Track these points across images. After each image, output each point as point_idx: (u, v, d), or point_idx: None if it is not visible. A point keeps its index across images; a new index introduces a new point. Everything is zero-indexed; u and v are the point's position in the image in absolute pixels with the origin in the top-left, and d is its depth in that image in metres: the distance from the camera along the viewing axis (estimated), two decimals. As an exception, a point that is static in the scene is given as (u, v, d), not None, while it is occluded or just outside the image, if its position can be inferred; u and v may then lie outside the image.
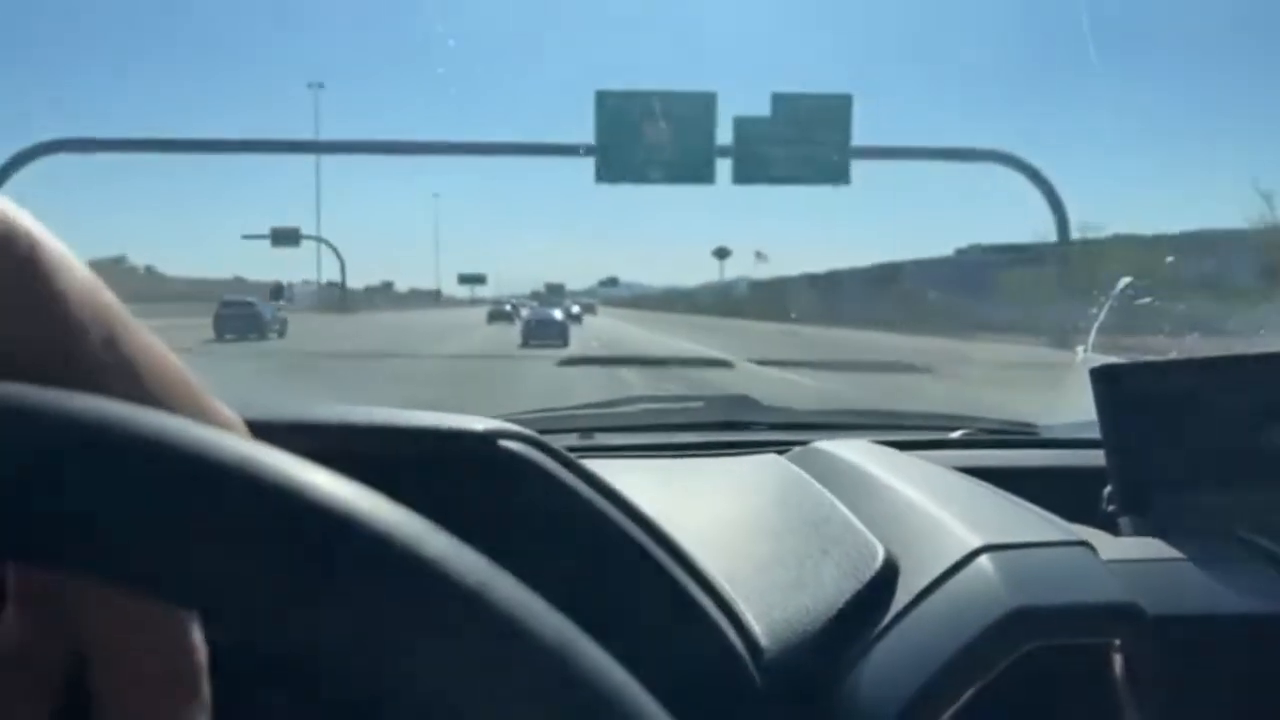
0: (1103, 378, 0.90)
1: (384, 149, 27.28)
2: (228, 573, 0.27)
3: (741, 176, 20.49)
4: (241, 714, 0.64)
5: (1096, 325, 1.43)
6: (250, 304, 22.58)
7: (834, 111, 20.28)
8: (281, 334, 23.19)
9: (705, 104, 20.46)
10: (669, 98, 20.29)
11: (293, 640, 0.28)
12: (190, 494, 0.27)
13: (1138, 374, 0.90)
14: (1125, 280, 1.53)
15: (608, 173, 20.03)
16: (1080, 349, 1.37)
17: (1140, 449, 0.87)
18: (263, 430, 0.34)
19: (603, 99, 19.96)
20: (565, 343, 22.20)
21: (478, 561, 0.29)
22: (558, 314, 26.13)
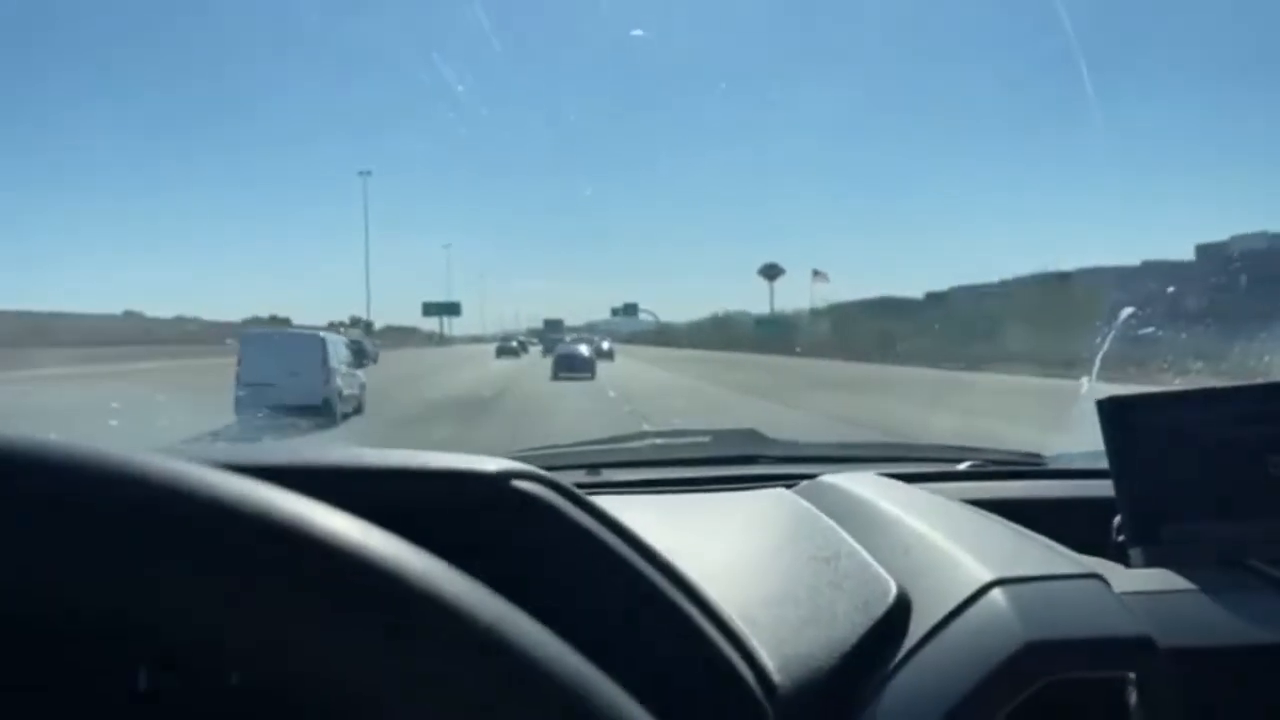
0: (1110, 409, 0.90)
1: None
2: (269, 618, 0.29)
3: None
4: None
5: (1100, 355, 1.43)
6: (360, 341, 26.79)
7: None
8: (376, 361, 27.30)
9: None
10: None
11: (305, 674, 0.29)
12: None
13: (1144, 405, 0.90)
14: (1128, 310, 1.53)
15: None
16: (1085, 379, 1.37)
17: (1148, 479, 0.88)
18: (284, 475, 0.35)
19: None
20: (592, 375, 24.96)
21: (494, 602, 0.30)
22: (584, 349, 29.43)
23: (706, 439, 1.87)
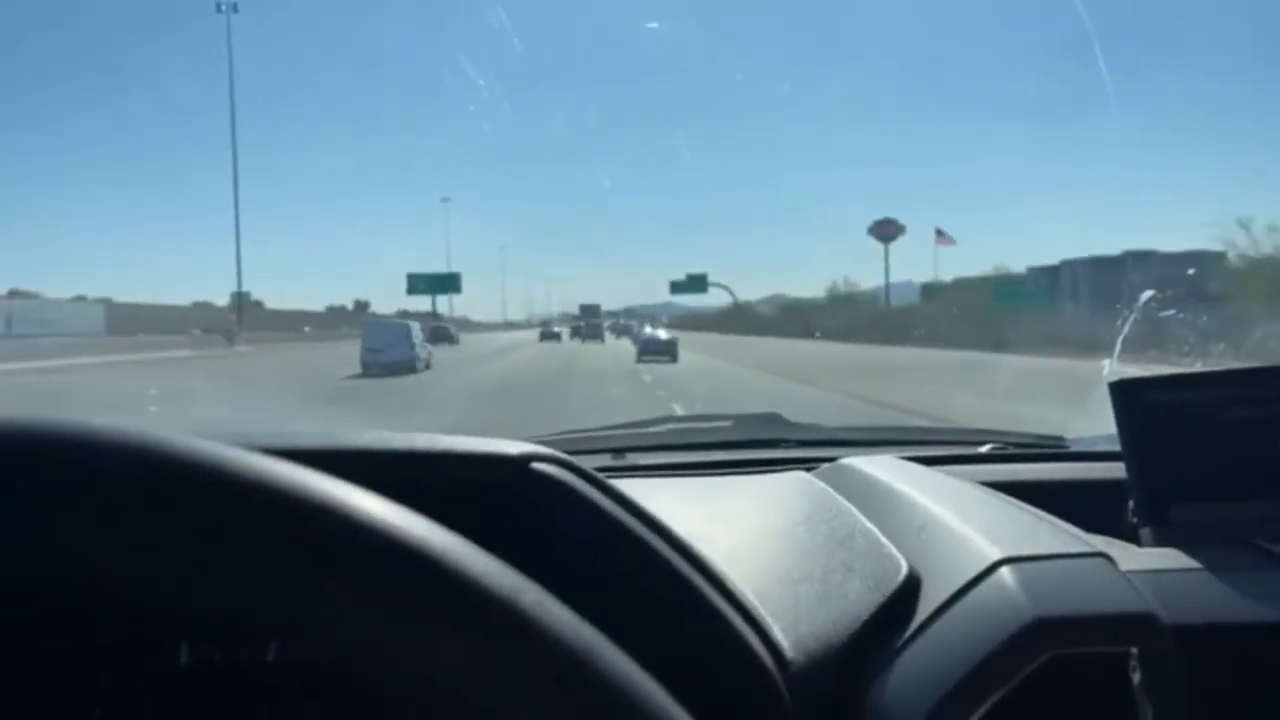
0: (1122, 391, 0.91)
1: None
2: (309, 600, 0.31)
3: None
4: None
5: (1120, 339, 1.43)
6: (446, 327, 39.22)
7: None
8: (457, 342, 38.05)
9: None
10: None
11: (337, 654, 0.32)
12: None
13: (1156, 387, 0.91)
14: (1148, 294, 1.53)
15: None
16: (1106, 362, 1.38)
17: (1160, 460, 0.89)
18: (311, 457, 0.37)
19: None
20: (674, 358, 26.51)
21: (520, 582, 0.32)
22: (663, 334, 31.77)
23: (729, 423, 1.88)
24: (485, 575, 0.31)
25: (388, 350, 21.76)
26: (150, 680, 0.68)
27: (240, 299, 55.84)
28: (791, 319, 51.90)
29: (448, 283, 67.36)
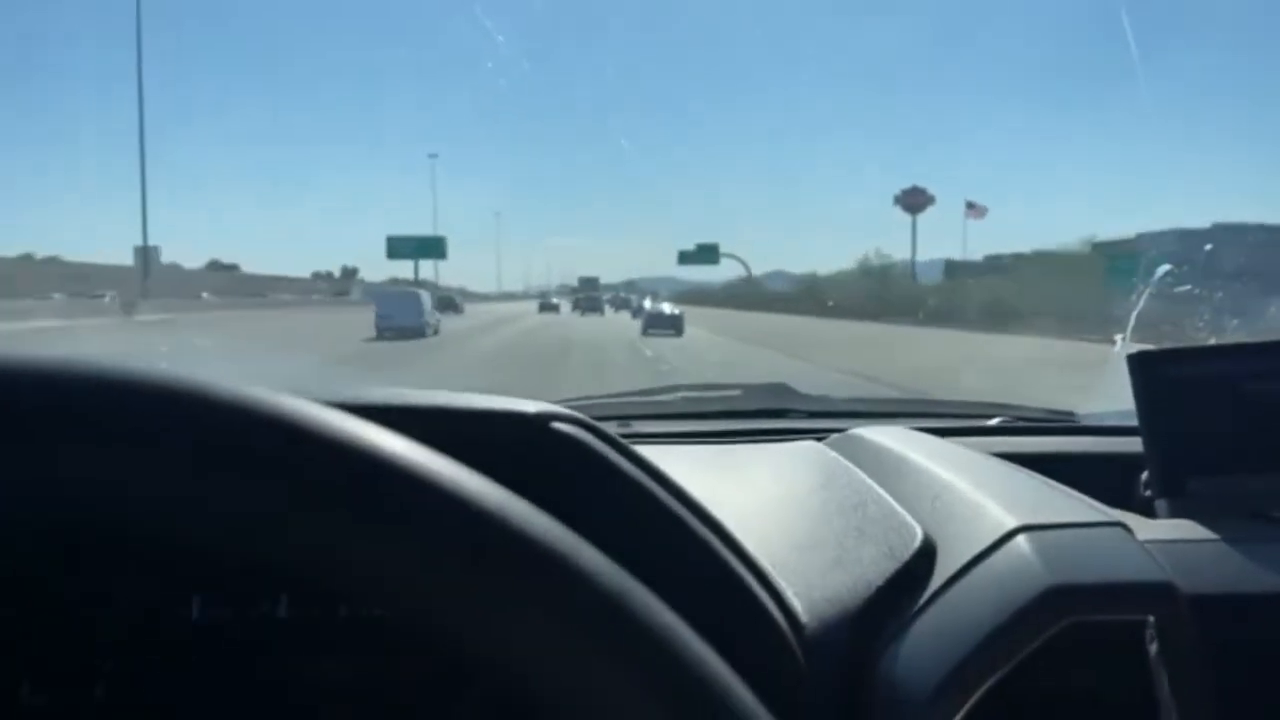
0: (1140, 364, 0.91)
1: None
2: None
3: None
4: (313, 679, 0.67)
5: (1135, 313, 1.43)
6: (453, 296, 40.54)
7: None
8: (462, 312, 39.86)
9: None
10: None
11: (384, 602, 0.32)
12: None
13: (1174, 360, 0.91)
14: (1164, 268, 1.52)
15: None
16: (1119, 337, 1.37)
17: (1176, 433, 0.88)
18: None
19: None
20: (679, 332, 26.57)
21: (563, 532, 0.32)
22: (668, 308, 31.31)
23: (738, 393, 1.88)
24: (552, 539, 0.32)
25: (399, 316, 23.73)
26: (162, 634, 0.68)
27: (146, 254, 48.06)
28: (809, 295, 45.84)
29: (432, 247, 62.51)
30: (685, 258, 57.85)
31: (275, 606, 0.69)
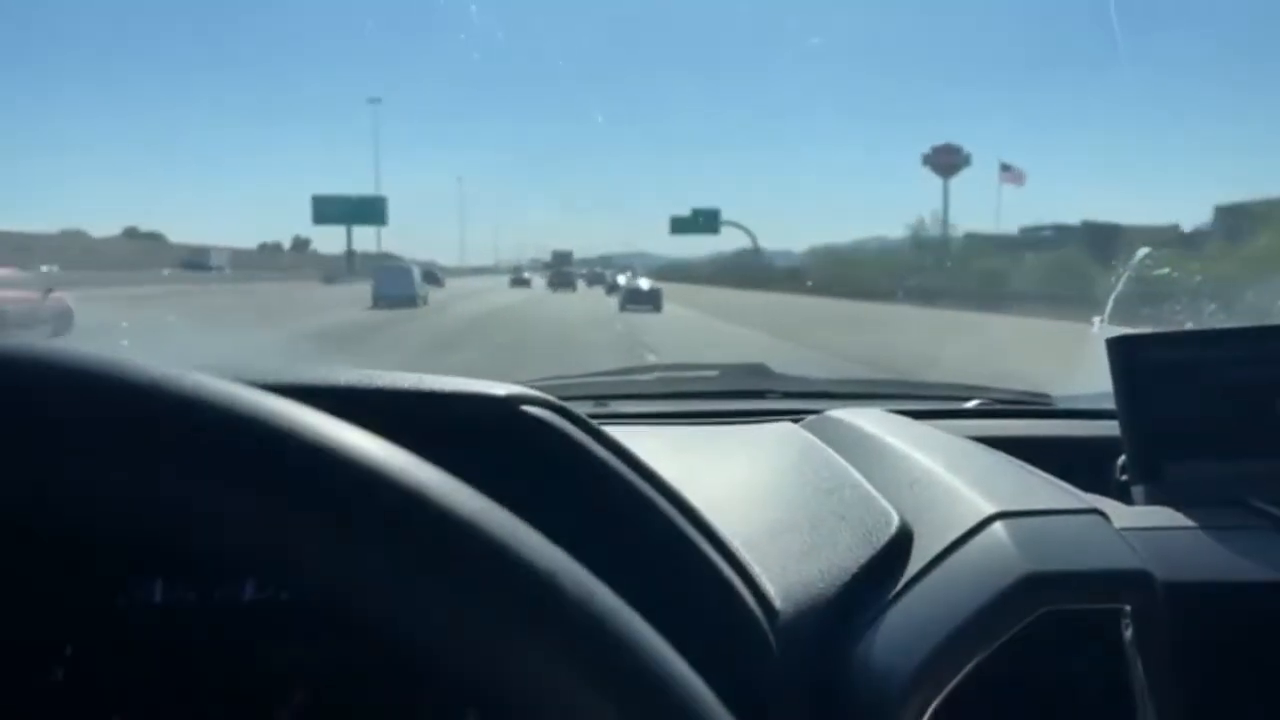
0: (1118, 348, 0.90)
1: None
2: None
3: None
4: (265, 664, 0.66)
5: (1114, 296, 1.42)
6: (435, 272, 39.98)
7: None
8: (443, 285, 39.77)
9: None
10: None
11: (322, 588, 0.30)
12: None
13: (1152, 344, 0.90)
14: (1143, 251, 1.52)
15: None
16: (1097, 320, 1.37)
17: (1153, 418, 0.88)
18: (296, 394, 0.35)
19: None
20: (658, 308, 25.92)
21: (508, 520, 0.31)
22: (645, 284, 30.57)
23: (715, 373, 1.87)
24: (475, 513, 0.31)
25: (394, 288, 26.56)
26: (122, 617, 0.66)
27: None
28: (826, 270, 38.17)
29: (368, 209, 51.57)
30: (680, 225, 48.91)
31: (241, 590, 0.67)
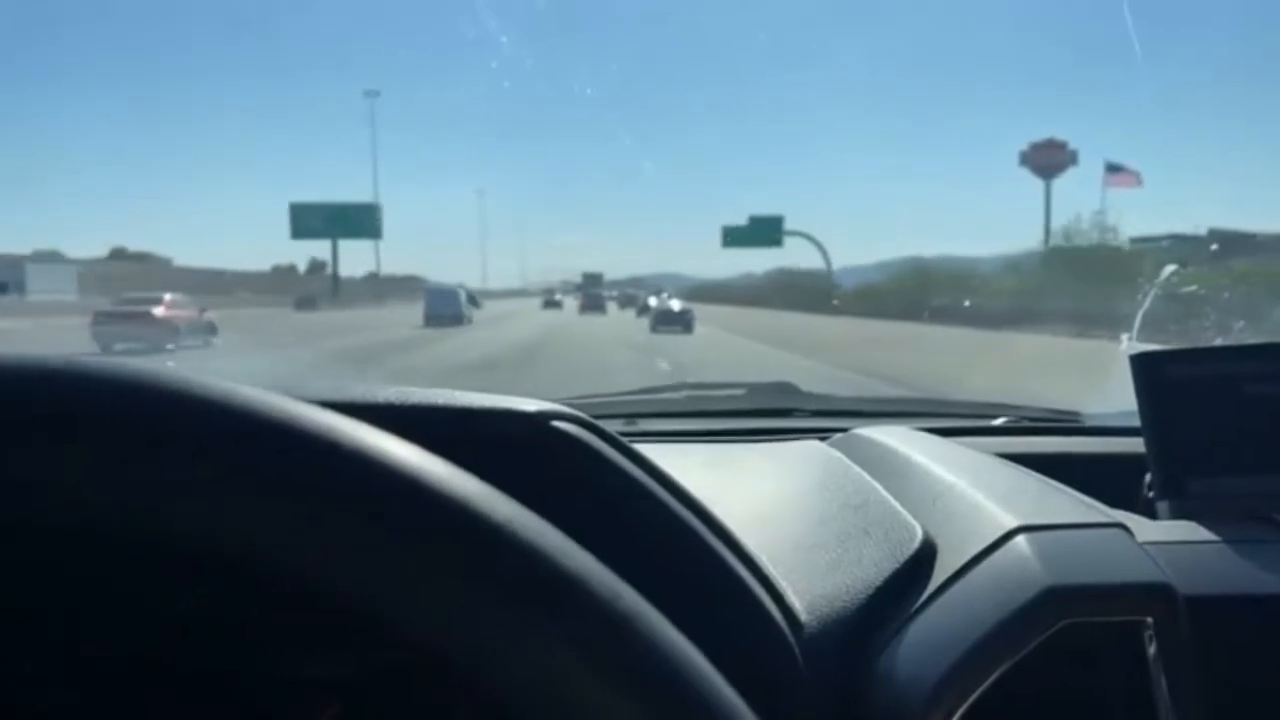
0: (1143, 364, 0.90)
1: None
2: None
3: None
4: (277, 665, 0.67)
5: (1141, 313, 1.42)
6: (474, 295, 42.29)
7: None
8: (480, 306, 41.47)
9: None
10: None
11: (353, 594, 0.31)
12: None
13: (1177, 361, 0.90)
14: (1170, 268, 1.52)
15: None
16: (1125, 337, 1.37)
17: (1179, 434, 0.88)
18: (345, 410, 0.37)
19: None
20: (689, 329, 26.05)
21: (538, 523, 0.32)
22: (676, 305, 31.05)
23: (742, 391, 1.88)
24: (508, 518, 0.32)
25: (444, 307, 30.56)
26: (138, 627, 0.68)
27: None
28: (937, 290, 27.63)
29: (356, 219, 42.11)
30: (732, 237, 42.49)
31: (260, 598, 0.69)
